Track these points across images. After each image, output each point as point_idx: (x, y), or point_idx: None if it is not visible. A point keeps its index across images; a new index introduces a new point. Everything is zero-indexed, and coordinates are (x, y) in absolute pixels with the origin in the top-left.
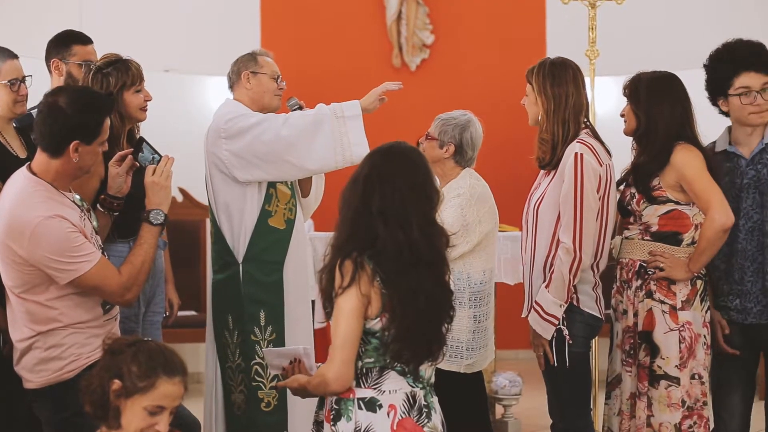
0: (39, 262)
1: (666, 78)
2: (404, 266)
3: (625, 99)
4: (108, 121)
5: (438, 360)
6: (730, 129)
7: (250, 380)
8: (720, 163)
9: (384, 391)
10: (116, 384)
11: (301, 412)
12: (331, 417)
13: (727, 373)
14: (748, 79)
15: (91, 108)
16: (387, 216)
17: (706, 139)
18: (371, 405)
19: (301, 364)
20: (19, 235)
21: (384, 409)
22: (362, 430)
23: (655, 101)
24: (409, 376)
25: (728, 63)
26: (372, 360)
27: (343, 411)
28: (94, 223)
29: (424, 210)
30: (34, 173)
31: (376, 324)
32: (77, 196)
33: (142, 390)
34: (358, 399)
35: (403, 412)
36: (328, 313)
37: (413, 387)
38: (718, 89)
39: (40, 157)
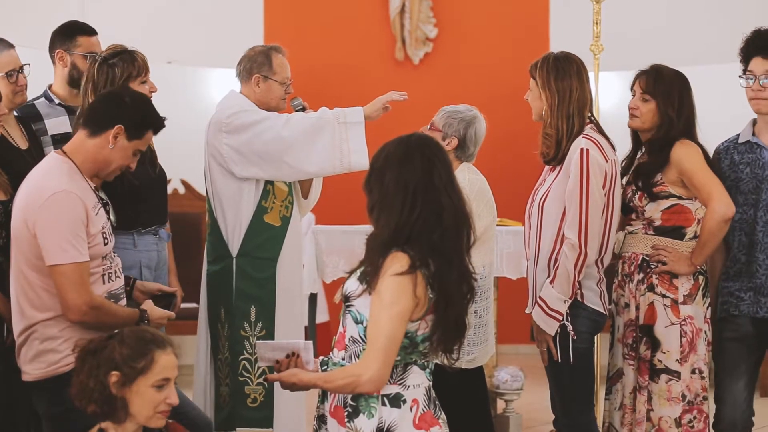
0: (36, 225)
1: (684, 76)
2: (458, 252)
3: (630, 92)
4: (152, 136)
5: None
6: (754, 121)
7: (236, 375)
8: (719, 157)
9: (408, 386)
10: (115, 375)
11: (287, 408)
12: (346, 414)
13: (733, 359)
14: (753, 65)
15: (148, 108)
16: (449, 188)
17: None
18: (396, 401)
19: (299, 358)
20: (34, 201)
21: (408, 404)
22: (386, 426)
23: (686, 101)
24: (427, 370)
25: (744, 48)
26: (399, 358)
27: (363, 408)
28: (113, 218)
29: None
30: (63, 152)
31: (414, 326)
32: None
33: (143, 370)
34: (383, 395)
35: (425, 406)
36: (346, 297)
37: (429, 381)
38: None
39: (78, 136)
